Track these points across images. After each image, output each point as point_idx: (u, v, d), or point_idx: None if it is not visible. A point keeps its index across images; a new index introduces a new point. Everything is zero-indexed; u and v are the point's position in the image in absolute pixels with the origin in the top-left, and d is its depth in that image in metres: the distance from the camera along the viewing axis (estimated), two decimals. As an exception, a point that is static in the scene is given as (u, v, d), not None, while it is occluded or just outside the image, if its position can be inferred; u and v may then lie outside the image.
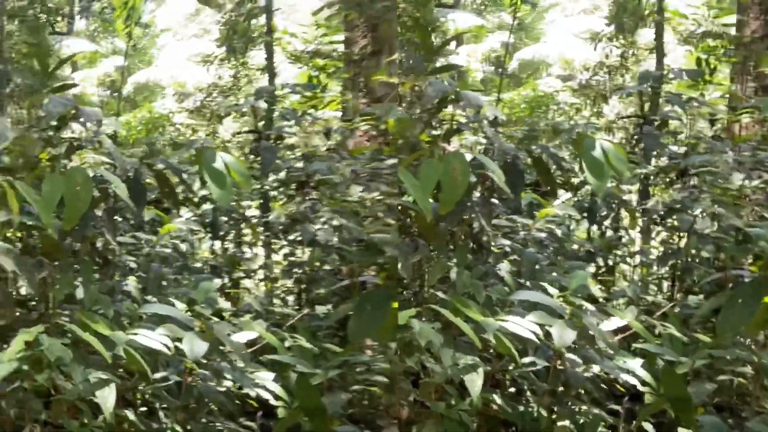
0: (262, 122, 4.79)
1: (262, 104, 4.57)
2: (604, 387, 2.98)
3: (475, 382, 2.18)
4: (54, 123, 2.77)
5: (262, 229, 4.38)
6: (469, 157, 2.60)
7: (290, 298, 4.31)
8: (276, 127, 4.55)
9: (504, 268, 2.86)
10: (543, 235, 3.42)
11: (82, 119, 2.65)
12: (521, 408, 2.63)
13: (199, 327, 2.45)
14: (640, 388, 2.82)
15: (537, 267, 2.95)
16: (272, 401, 2.63)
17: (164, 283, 3.29)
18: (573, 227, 4.53)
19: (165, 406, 2.66)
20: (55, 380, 2.24)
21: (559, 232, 3.59)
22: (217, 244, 4.50)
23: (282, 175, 4.24)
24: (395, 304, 2.35)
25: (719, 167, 3.33)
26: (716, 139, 3.94)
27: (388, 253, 2.48)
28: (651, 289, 4.26)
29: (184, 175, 3.19)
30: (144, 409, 2.79)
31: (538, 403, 2.65)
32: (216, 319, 2.61)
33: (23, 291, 2.86)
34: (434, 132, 2.94)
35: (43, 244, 2.62)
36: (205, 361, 2.50)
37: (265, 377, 2.62)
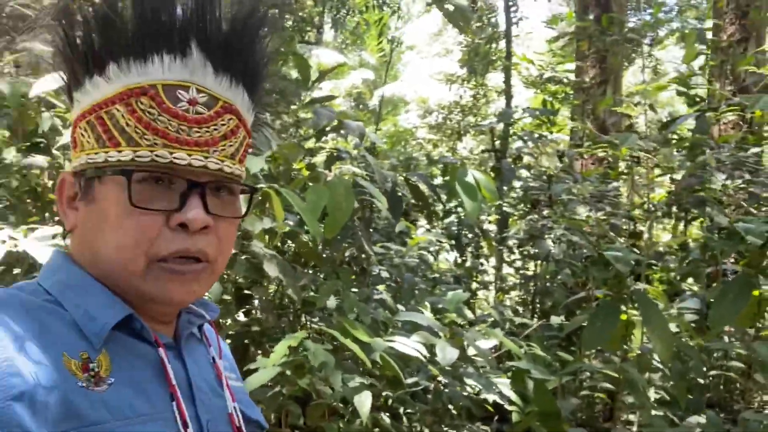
0: (498, 142, 5.03)
1: (500, 125, 4.81)
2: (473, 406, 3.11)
3: (363, 402, 2.18)
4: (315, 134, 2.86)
5: (496, 243, 4.50)
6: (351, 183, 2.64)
7: (519, 309, 4.52)
8: (514, 148, 4.78)
9: (384, 293, 2.91)
10: (416, 261, 3.53)
11: (343, 131, 2.73)
12: (404, 429, 2.66)
13: (448, 334, 2.53)
14: (507, 407, 2.97)
15: (416, 291, 3.03)
16: (507, 406, 2.78)
17: (416, 292, 3.30)
18: (437, 255, 4.76)
19: (409, 410, 2.72)
20: (315, 385, 2.21)
21: (431, 258, 3.73)
22: (456, 256, 4.61)
23: (519, 192, 4.52)
24: (623, 317, 2.55)
25: (576, 197, 3.66)
26: (565, 172, 4.32)
27: (618, 267, 2.54)
28: (507, 314, 4.55)
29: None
30: (387, 414, 2.79)
31: (421, 422, 2.70)
32: (465, 327, 2.71)
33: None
34: (314, 159, 2.96)
35: (302, 252, 2.64)
36: (449, 368, 2.56)
37: (502, 383, 2.72)
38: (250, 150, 0.84)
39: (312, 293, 2.45)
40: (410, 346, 2.31)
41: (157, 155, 0.71)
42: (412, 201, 3.27)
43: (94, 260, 0.75)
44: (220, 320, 2.46)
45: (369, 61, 9.38)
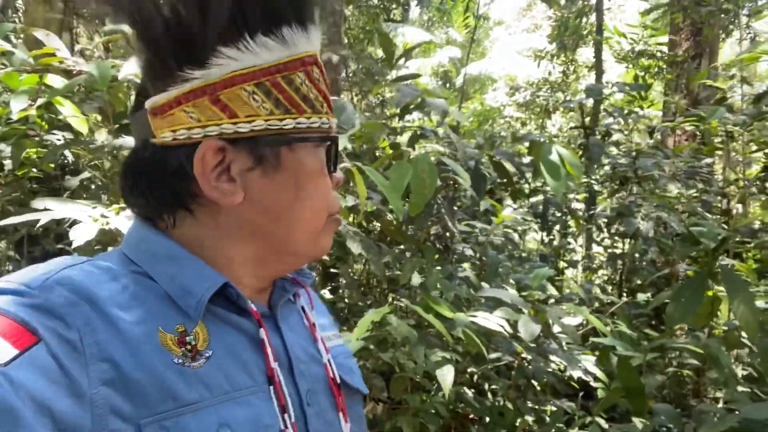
0: (588, 118, 4.86)
1: (589, 101, 4.62)
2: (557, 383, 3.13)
3: (446, 376, 2.25)
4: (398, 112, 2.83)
5: (583, 222, 4.46)
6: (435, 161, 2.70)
7: (608, 288, 4.48)
8: (603, 124, 4.63)
9: (469, 271, 2.96)
10: (501, 240, 3.55)
11: (426, 109, 2.71)
12: (488, 403, 2.72)
13: (531, 311, 2.52)
14: (592, 383, 2.97)
15: (500, 269, 3.06)
16: (592, 383, 2.78)
17: (500, 269, 3.27)
18: (523, 234, 4.73)
19: (493, 386, 2.76)
20: (398, 359, 2.28)
21: (516, 237, 3.74)
22: (543, 235, 4.55)
23: (607, 169, 4.37)
24: (709, 293, 2.53)
25: (666, 173, 3.55)
26: (656, 148, 4.18)
27: (704, 242, 2.57)
28: (595, 292, 4.48)
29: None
30: (479, 388, 2.93)
31: (504, 397, 2.75)
32: (548, 305, 2.69)
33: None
34: (398, 138, 3.04)
35: (386, 229, 2.67)
36: (533, 345, 2.59)
37: (587, 359, 2.74)
38: None
39: (396, 271, 2.52)
40: (492, 321, 2.36)
41: (328, 122, 0.76)
42: (498, 180, 3.28)
43: (276, 228, 0.75)
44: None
45: (456, 39, 9.21)
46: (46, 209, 2.20)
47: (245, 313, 0.74)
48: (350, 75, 4.63)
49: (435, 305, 2.37)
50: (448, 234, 2.82)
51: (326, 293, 2.98)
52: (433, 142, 2.86)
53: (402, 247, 2.64)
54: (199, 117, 0.69)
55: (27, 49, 2.91)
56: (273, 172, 0.72)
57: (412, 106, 2.86)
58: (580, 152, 4.79)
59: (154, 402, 0.60)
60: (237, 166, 0.71)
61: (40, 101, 2.73)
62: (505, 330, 2.36)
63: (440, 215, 2.68)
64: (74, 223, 2.06)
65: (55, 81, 2.77)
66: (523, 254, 4.37)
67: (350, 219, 2.45)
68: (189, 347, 0.66)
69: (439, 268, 2.56)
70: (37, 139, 2.80)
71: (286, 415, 0.70)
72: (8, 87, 2.80)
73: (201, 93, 0.69)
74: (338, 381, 0.82)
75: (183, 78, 0.69)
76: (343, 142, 2.41)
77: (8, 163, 2.84)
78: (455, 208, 3.37)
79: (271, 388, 0.70)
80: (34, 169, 2.95)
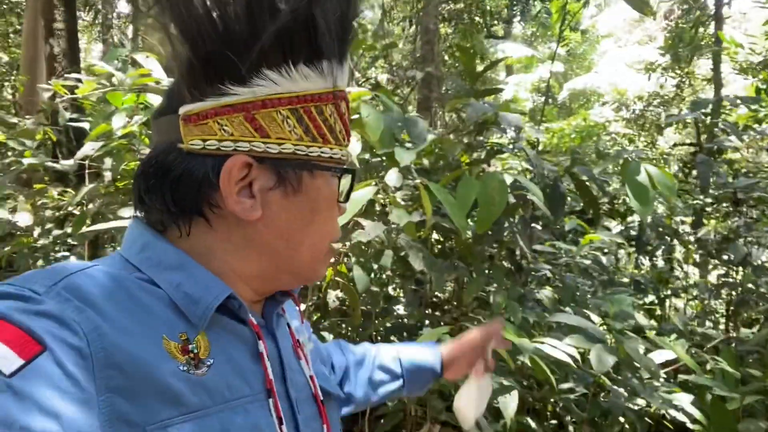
0: (704, 135, 4.56)
1: (703, 116, 4.24)
2: (650, 422, 2.87)
3: (508, 404, 2.13)
4: (473, 128, 2.84)
5: (694, 246, 4.13)
6: (509, 179, 2.59)
7: (722, 320, 4.12)
8: (716, 140, 4.26)
9: (545, 293, 2.80)
10: (587, 262, 3.34)
11: (502, 125, 2.68)
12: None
13: (610, 341, 2.37)
14: (689, 425, 2.70)
15: (578, 293, 2.87)
16: (689, 425, 2.57)
17: (578, 294, 3.08)
18: (623, 259, 4.42)
19: (574, 420, 2.63)
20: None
21: (605, 260, 3.49)
22: (645, 259, 4.36)
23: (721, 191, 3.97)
24: None
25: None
26: (774, 167, 3.78)
27: None
28: (706, 325, 4.09)
29: (614, 186, 3.11)
30: (554, 422, 2.81)
31: (577, 430, 2.57)
32: (631, 334, 2.50)
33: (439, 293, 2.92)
34: (474, 154, 2.95)
35: (458, 247, 2.66)
36: (617, 377, 2.45)
37: (683, 399, 2.54)
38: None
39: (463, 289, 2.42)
40: (560, 349, 2.21)
41: (346, 155, 0.80)
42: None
43: (284, 248, 0.77)
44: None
45: (559, 53, 8.89)
46: (132, 217, 2.36)
47: (244, 323, 0.76)
48: (443, 92, 4.60)
49: (499, 329, 2.25)
50: (519, 254, 2.68)
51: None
52: (513, 159, 2.75)
53: (470, 265, 2.55)
54: (232, 131, 0.71)
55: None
56: (292, 195, 0.75)
57: (485, 122, 2.77)
58: (688, 172, 4.46)
59: (160, 408, 0.61)
60: (259, 184, 0.74)
61: (136, 118, 2.93)
62: (575, 359, 2.20)
63: (513, 234, 2.55)
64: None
65: (155, 100, 2.98)
66: (624, 279, 4.08)
67: (414, 234, 2.39)
68: (192, 355, 0.67)
69: (506, 289, 2.44)
70: (137, 153, 3.01)
71: (283, 426, 0.73)
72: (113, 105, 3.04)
73: (239, 109, 0.71)
74: (322, 398, 0.84)
75: (223, 92, 0.71)
76: (411, 158, 2.37)
77: (108, 175, 3.08)
78: (539, 227, 3.21)
79: (270, 401, 0.73)
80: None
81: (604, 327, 2.58)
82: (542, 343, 2.24)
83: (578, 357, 2.26)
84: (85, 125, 3.03)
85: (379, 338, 2.63)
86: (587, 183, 2.89)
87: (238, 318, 0.75)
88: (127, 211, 2.61)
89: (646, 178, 2.64)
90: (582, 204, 3.46)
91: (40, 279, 0.64)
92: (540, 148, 3.70)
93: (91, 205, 2.89)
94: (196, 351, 0.68)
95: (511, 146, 2.68)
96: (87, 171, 3.03)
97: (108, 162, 3.02)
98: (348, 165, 0.81)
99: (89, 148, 2.66)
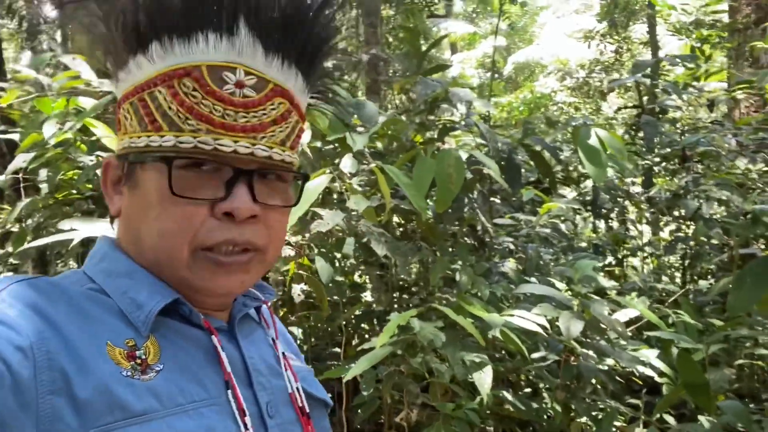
0: (646, 97, 4.58)
1: (643, 79, 4.27)
2: (620, 380, 2.92)
3: (483, 379, 2.12)
4: (424, 107, 2.76)
5: (646, 205, 4.20)
6: (465, 155, 2.57)
7: (678, 275, 4.23)
8: (658, 101, 4.33)
9: (509, 265, 2.81)
10: (547, 231, 3.37)
11: (453, 101, 2.62)
12: (536, 406, 2.56)
13: (577, 306, 2.37)
14: (657, 379, 2.76)
15: (541, 262, 2.89)
16: (657, 378, 2.62)
17: (541, 263, 3.08)
18: (580, 224, 4.49)
19: (548, 386, 2.63)
20: (429, 363, 2.18)
21: (563, 228, 3.53)
22: (601, 223, 4.39)
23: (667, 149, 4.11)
24: None
25: (723, 150, 3.27)
26: (716, 123, 3.87)
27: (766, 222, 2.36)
28: (663, 280, 4.20)
29: (564, 154, 3.13)
30: (528, 390, 2.81)
31: (552, 399, 2.59)
32: (595, 297, 2.51)
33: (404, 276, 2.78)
34: (428, 133, 2.93)
35: (420, 228, 2.61)
36: (586, 340, 2.46)
37: (649, 354, 2.59)
38: (302, 135, 0.80)
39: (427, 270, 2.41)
40: (530, 319, 2.22)
41: (200, 141, 0.68)
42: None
43: (139, 247, 0.74)
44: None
45: (501, 28, 8.96)
46: (72, 229, 2.24)
47: (201, 327, 0.74)
48: (391, 74, 4.56)
49: (467, 305, 2.25)
50: (480, 228, 2.68)
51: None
52: (466, 136, 2.73)
53: (434, 245, 2.53)
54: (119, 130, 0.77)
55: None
56: (134, 190, 0.74)
57: (440, 99, 2.74)
58: (634, 134, 4.54)
59: (102, 413, 0.61)
60: (112, 181, 0.78)
61: (68, 125, 2.78)
62: (544, 328, 2.21)
63: (474, 210, 2.54)
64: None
65: (88, 103, 2.83)
66: (582, 244, 4.14)
67: (375, 219, 2.36)
68: (139, 361, 0.66)
69: (471, 265, 2.43)
70: (74, 162, 2.87)
71: (247, 418, 0.70)
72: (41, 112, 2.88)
73: (117, 111, 0.76)
74: (307, 410, 0.81)
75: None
76: (363, 142, 2.32)
77: (45, 187, 2.93)
78: (498, 201, 3.22)
79: (229, 392, 0.71)
80: (74, 191, 3.02)
81: (569, 293, 2.60)
82: (511, 315, 2.25)
83: (547, 325, 2.28)
84: (16, 136, 2.87)
85: (348, 328, 2.59)
86: (541, 152, 2.90)
87: (192, 323, 0.74)
88: (68, 224, 2.47)
89: (597, 141, 2.67)
90: (537, 174, 3.49)
91: None
92: (491, 123, 3.70)
93: (30, 221, 2.75)
94: (144, 357, 0.67)
95: (463, 123, 2.65)
96: (22, 185, 2.88)
97: (43, 173, 2.88)
98: (192, 151, 0.69)
99: (20, 160, 2.54)
